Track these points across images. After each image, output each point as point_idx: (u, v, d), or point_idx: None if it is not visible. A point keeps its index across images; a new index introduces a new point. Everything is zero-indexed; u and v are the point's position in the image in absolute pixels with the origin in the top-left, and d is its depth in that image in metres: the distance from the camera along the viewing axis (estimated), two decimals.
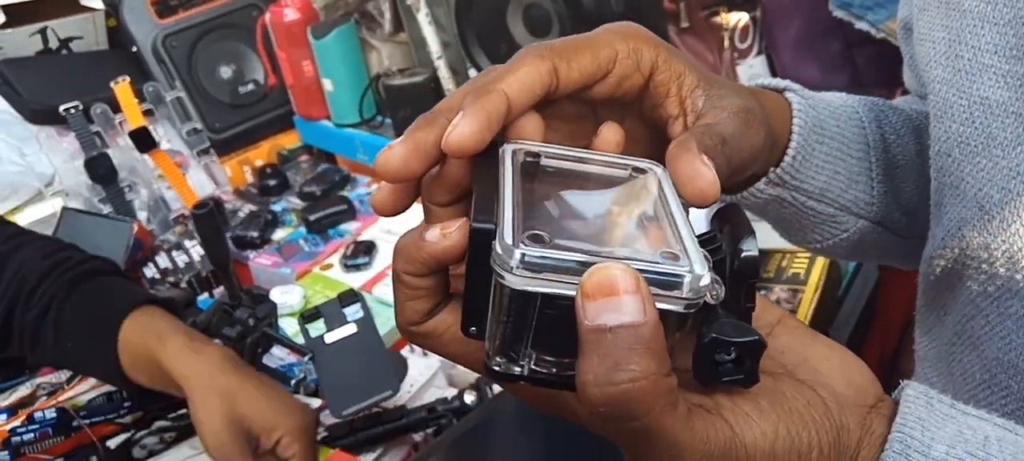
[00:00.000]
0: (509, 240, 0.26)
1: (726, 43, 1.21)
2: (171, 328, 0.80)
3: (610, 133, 0.35)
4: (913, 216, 0.54)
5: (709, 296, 0.27)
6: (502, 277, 0.26)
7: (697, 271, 0.26)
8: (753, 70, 1.23)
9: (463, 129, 0.30)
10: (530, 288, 0.26)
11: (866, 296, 1.01)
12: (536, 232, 0.27)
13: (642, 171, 0.32)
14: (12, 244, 0.85)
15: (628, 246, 0.28)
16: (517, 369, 0.29)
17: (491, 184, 0.30)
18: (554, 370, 0.28)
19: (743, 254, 0.29)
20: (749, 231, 0.29)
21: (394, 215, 0.34)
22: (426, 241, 0.30)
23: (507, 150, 0.32)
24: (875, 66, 1.13)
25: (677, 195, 0.31)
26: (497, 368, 0.29)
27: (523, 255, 0.26)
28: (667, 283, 0.26)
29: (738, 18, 1.20)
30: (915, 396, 0.30)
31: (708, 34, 1.21)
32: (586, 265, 0.26)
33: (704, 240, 0.30)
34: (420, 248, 0.30)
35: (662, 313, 0.26)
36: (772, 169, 0.46)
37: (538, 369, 0.28)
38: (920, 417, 0.29)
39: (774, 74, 1.23)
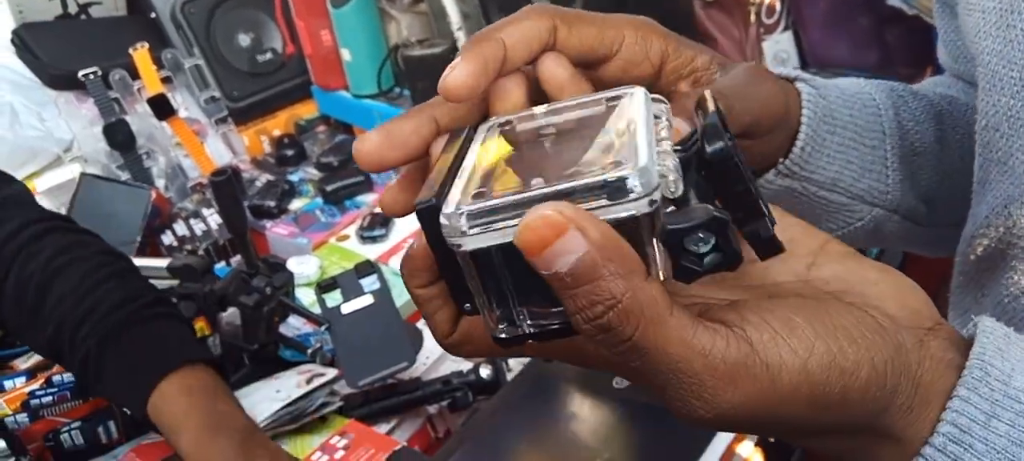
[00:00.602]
0: (452, 208, 0.26)
1: (752, 18, 1.18)
2: (190, 410, 0.74)
3: (551, 63, 0.33)
4: (932, 204, 0.53)
5: (666, 191, 0.26)
6: (458, 245, 0.26)
7: (642, 164, 0.25)
8: (779, 46, 1.20)
9: (459, 72, 0.30)
10: (482, 244, 0.26)
11: None
12: (479, 191, 0.27)
13: (619, 98, 0.31)
14: (53, 268, 0.79)
15: (577, 175, 0.26)
16: (520, 331, 0.28)
17: (453, 163, 0.30)
18: (553, 320, 0.28)
19: (708, 151, 0.27)
20: (714, 125, 0.27)
21: (405, 215, 0.33)
22: (413, 249, 0.30)
23: (480, 128, 0.31)
24: (905, 44, 1.10)
25: (650, 108, 0.30)
26: (503, 336, 0.28)
27: (466, 214, 0.26)
28: (615, 191, 0.25)
29: None
30: (993, 327, 0.29)
31: (734, 9, 1.18)
32: (521, 204, 0.25)
33: (682, 141, 0.28)
34: (412, 258, 0.30)
35: (621, 222, 0.25)
36: (781, 160, 0.45)
37: (535, 323, 0.28)
38: (999, 347, 0.28)
39: (801, 51, 1.21)
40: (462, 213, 0.26)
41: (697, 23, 1.17)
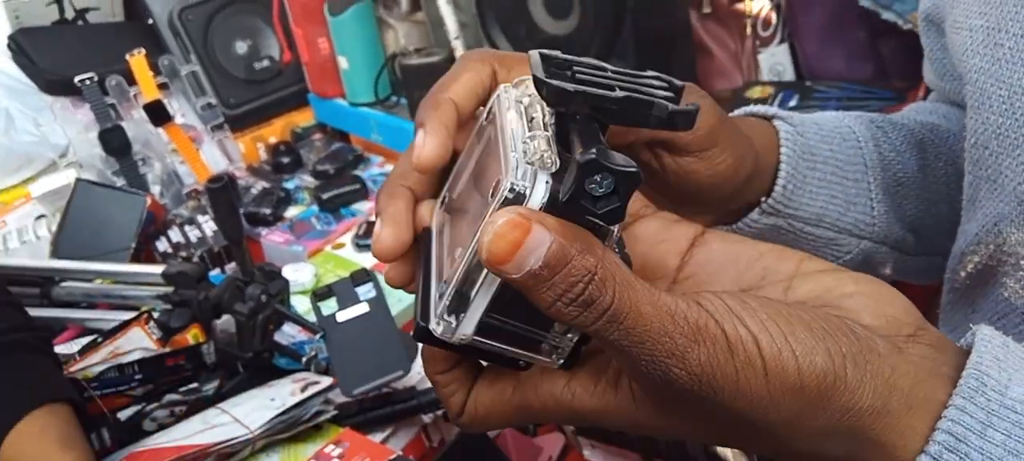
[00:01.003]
0: (435, 323, 0.29)
1: (748, 30, 1.19)
2: (39, 457, 0.69)
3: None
4: (919, 233, 0.53)
5: (543, 168, 0.27)
6: (462, 340, 0.29)
7: (512, 167, 0.26)
8: (775, 58, 1.21)
9: (430, 149, 0.32)
10: (474, 322, 0.28)
11: None
12: (441, 288, 0.29)
13: (493, 109, 0.32)
14: None
15: (485, 212, 0.27)
16: (567, 346, 0.30)
17: (424, 275, 0.32)
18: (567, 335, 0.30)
19: (546, 97, 0.27)
20: (537, 78, 0.28)
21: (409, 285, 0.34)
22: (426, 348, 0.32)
23: (431, 228, 0.34)
24: (900, 57, 1.11)
25: (511, 102, 0.31)
26: (562, 362, 0.30)
27: (444, 320, 0.29)
28: (516, 200, 0.26)
29: (761, 5, 1.18)
30: (991, 336, 0.29)
31: (730, 21, 1.19)
32: (468, 271, 0.28)
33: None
34: (428, 348, 0.32)
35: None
36: (764, 199, 0.46)
37: (563, 340, 0.29)
38: (997, 357, 0.28)
39: (796, 63, 1.21)
40: (442, 320, 0.28)
41: (694, 35, 1.18)
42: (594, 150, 0.25)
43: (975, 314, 0.47)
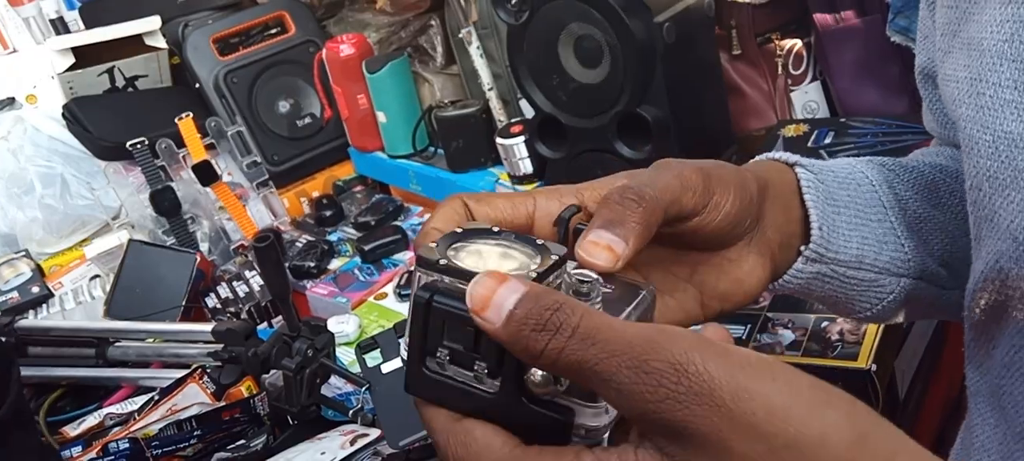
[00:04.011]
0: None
1: (780, 69, 1.20)
2: None
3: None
4: (950, 266, 0.54)
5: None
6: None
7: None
8: (808, 97, 1.21)
9: None
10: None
11: (932, 327, 0.98)
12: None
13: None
14: None
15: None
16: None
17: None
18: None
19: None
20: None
21: None
22: None
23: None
24: None
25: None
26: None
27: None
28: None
29: (792, 44, 1.19)
30: None
31: (761, 61, 1.20)
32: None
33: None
34: None
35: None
36: (805, 246, 0.47)
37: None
38: None
39: (829, 100, 1.22)
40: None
41: (725, 77, 1.19)
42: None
43: (995, 350, 0.48)
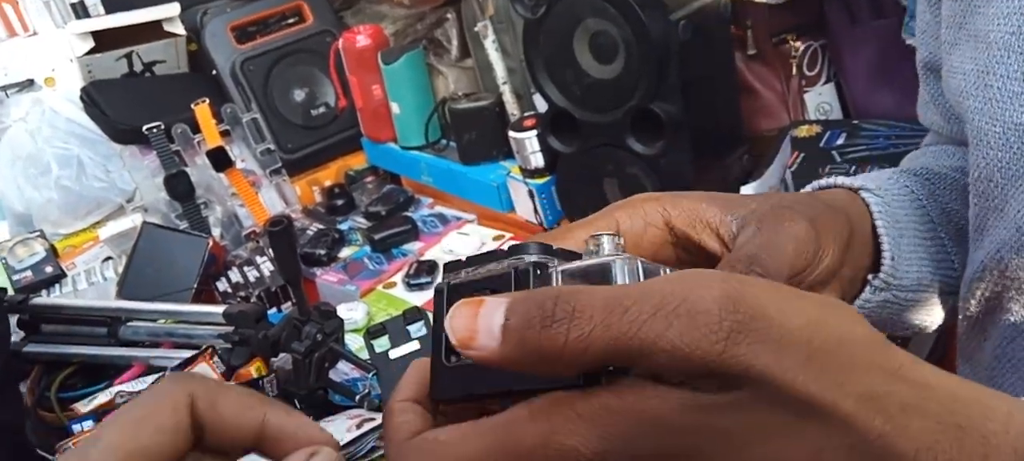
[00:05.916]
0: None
1: (794, 70, 1.20)
2: None
3: None
4: None
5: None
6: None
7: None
8: (822, 98, 1.21)
9: None
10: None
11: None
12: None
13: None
14: None
15: None
16: None
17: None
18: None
19: None
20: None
21: None
22: None
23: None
24: None
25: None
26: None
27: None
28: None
29: (807, 45, 1.19)
30: None
31: (776, 61, 1.20)
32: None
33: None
34: None
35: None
36: (874, 275, 0.45)
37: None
38: None
39: (843, 102, 1.21)
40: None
41: (739, 76, 1.19)
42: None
43: (987, 342, 0.48)
